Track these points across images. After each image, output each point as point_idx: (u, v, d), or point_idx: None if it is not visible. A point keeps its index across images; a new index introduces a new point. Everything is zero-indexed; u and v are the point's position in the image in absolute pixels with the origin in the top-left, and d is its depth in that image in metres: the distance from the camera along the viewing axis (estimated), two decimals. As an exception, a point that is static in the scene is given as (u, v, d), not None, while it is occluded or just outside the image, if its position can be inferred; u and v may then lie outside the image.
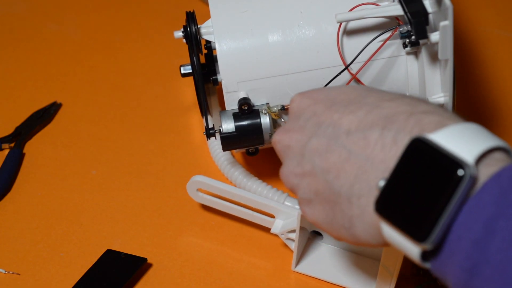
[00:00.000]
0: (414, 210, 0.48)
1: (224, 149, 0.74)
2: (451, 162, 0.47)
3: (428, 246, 0.47)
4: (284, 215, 0.74)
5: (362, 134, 0.53)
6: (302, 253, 0.74)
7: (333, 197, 0.55)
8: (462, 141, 0.48)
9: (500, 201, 0.45)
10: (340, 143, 0.54)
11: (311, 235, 0.75)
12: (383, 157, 0.51)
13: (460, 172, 0.46)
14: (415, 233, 0.48)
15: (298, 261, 0.74)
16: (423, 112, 0.52)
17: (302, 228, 0.71)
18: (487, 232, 0.45)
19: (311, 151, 0.56)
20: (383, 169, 0.51)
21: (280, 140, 0.59)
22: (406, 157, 0.49)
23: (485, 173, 0.47)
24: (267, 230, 0.77)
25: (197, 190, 0.77)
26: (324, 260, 0.74)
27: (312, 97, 0.59)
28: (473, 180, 0.47)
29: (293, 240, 0.73)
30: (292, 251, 0.74)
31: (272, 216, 0.75)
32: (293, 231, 0.73)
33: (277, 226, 0.74)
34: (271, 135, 0.73)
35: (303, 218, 0.70)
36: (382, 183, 0.50)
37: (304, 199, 0.58)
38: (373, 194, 0.51)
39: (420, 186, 0.48)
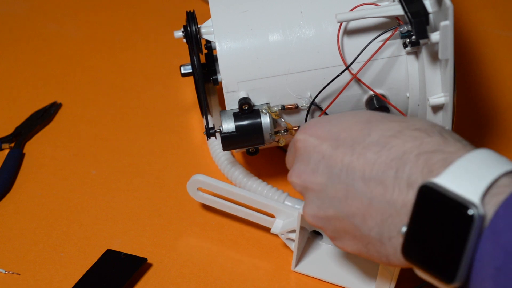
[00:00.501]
0: (437, 252, 0.50)
1: (225, 149, 0.74)
2: (459, 204, 0.49)
3: (456, 285, 0.49)
4: (284, 215, 0.74)
5: (378, 179, 0.55)
6: (302, 253, 0.74)
7: (364, 237, 0.57)
8: (467, 178, 0.50)
9: None
10: (358, 190, 0.56)
11: (311, 235, 0.75)
12: (402, 201, 0.53)
13: (470, 211, 0.48)
14: (442, 276, 0.50)
15: (298, 261, 0.74)
16: (429, 151, 0.54)
17: (302, 228, 0.71)
18: (508, 258, 0.47)
19: (329, 197, 0.58)
20: (406, 212, 0.53)
21: (295, 183, 0.61)
22: (419, 203, 0.51)
23: (495, 202, 0.49)
24: (267, 230, 0.77)
25: (197, 189, 0.77)
26: (324, 260, 0.74)
27: (315, 134, 0.60)
28: (483, 216, 0.48)
29: (293, 240, 0.73)
30: (292, 251, 0.74)
31: (272, 216, 0.75)
32: (293, 231, 0.73)
33: (277, 226, 0.74)
34: (271, 135, 0.73)
35: (303, 218, 0.70)
36: (404, 229, 0.52)
37: (334, 236, 0.60)
38: (401, 236, 0.53)
39: (438, 228, 0.50)
